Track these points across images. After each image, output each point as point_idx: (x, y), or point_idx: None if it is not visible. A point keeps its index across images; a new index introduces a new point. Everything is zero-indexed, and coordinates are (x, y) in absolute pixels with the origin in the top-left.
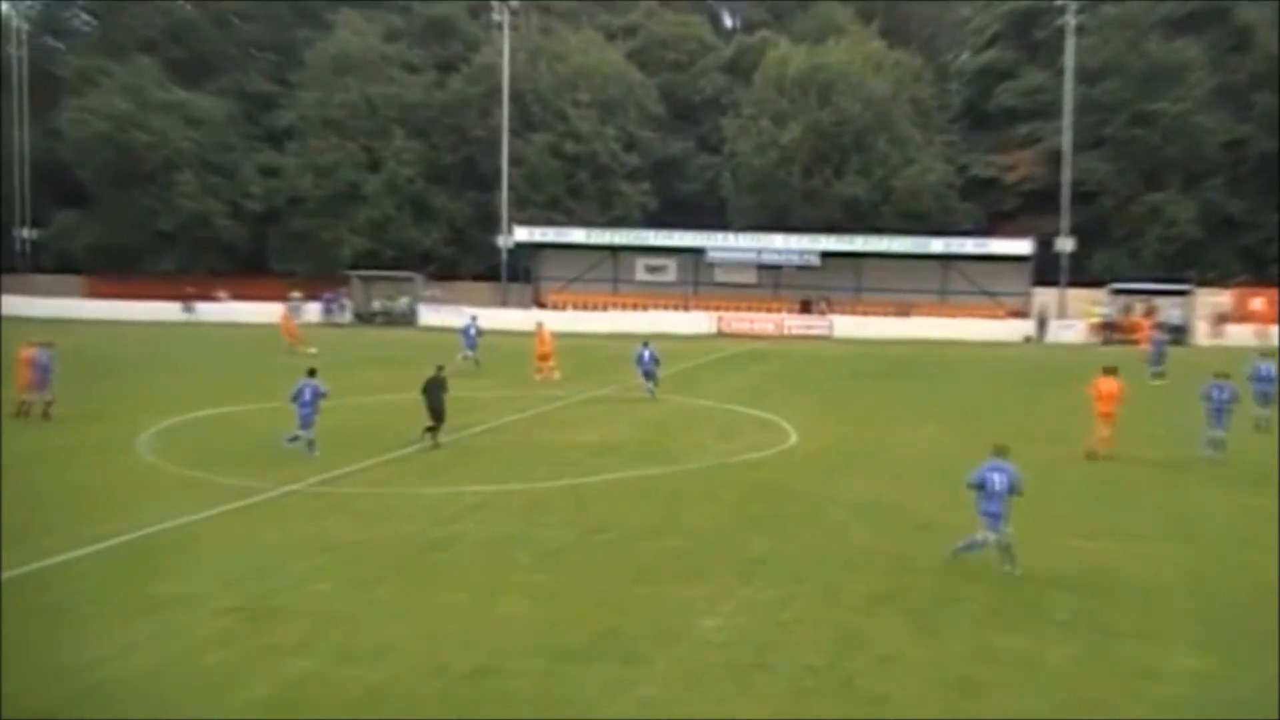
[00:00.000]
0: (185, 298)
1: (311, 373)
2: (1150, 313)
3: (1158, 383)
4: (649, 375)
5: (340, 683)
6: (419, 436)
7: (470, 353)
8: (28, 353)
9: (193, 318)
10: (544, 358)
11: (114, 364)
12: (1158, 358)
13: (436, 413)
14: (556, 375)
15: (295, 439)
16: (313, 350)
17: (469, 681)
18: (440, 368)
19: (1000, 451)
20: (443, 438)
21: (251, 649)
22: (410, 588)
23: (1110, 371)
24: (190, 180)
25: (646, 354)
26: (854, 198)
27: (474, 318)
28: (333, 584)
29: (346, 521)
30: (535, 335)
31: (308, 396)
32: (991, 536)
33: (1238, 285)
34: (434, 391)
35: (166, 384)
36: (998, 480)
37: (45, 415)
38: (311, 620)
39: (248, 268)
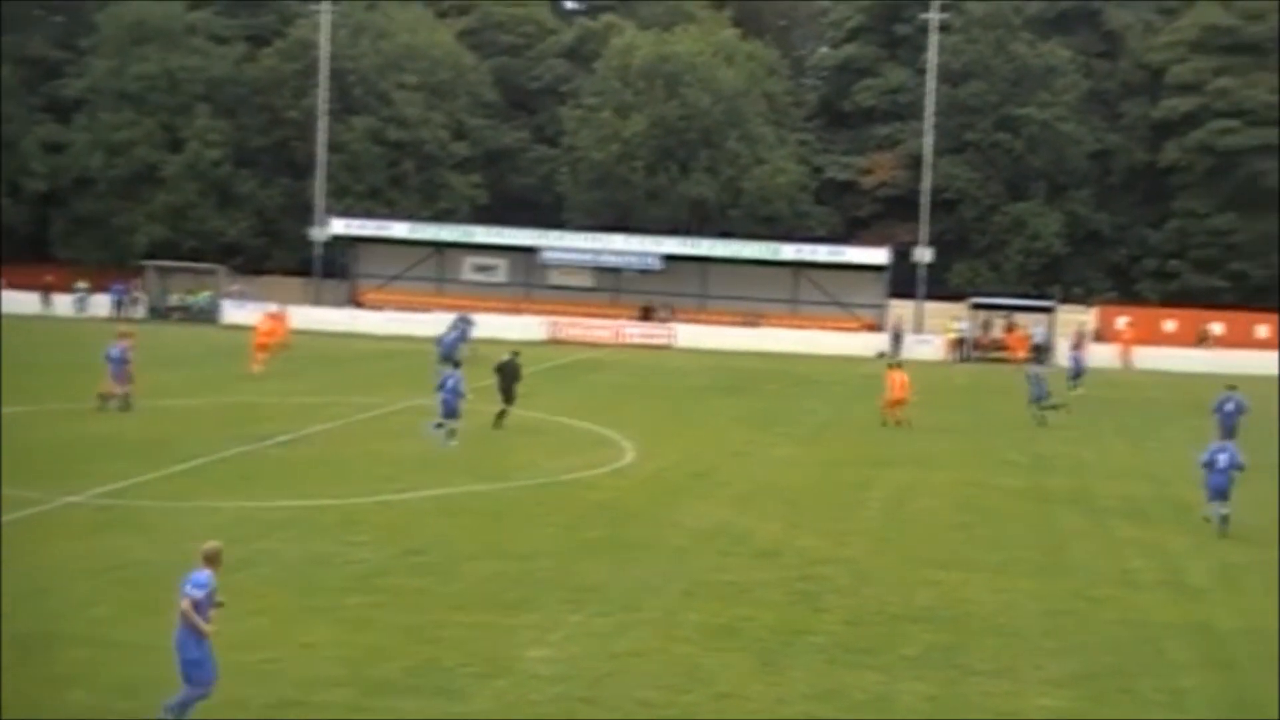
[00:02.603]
0: (44, 287)
1: (456, 364)
2: (1011, 329)
3: (1079, 391)
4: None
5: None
6: (493, 422)
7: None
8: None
9: (48, 310)
10: (261, 348)
11: None
12: (1076, 372)
13: (508, 395)
14: (256, 369)
15: (440, 425)
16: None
17: (270, 716)
18: (515, 353)
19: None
20: (246, 446)
21: (21, 681)
22: None
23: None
24: None
25: (450, 338)
26: (701, 198)
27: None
28: (115, 609)
29: (133, 538)
30: (255, 327)
31: (450, 384)
32: (1214, 507)
33: (1102, 303)
34: (507, 374)
35: None
36: (1222, 459)
37: (125, 407)
38: (90, 649)
39: (27, 254)
